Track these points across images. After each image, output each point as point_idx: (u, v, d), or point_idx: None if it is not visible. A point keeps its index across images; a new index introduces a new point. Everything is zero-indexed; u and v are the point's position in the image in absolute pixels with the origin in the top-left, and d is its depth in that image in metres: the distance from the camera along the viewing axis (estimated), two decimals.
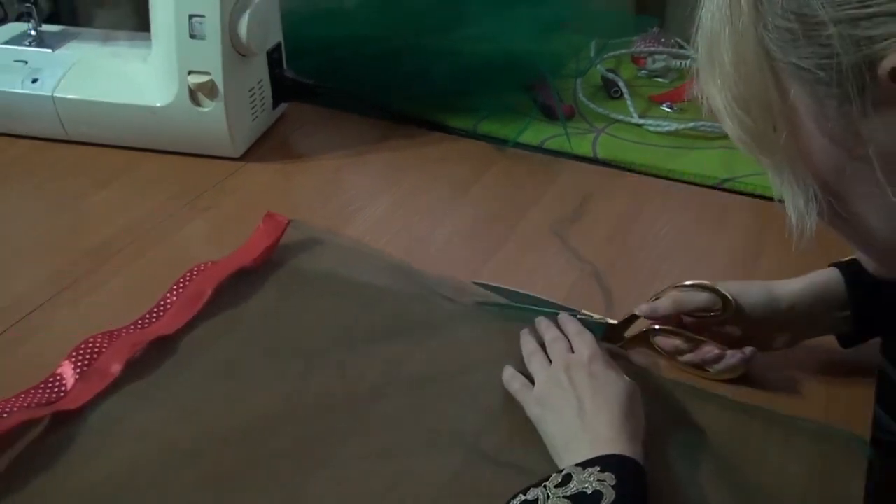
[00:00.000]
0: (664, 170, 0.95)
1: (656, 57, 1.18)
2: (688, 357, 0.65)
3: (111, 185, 0.92)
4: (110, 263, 0.79)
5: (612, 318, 0.69)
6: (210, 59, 0.90)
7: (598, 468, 0.50)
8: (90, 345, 0.65)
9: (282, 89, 1.02)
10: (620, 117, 1.05)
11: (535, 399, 0.60)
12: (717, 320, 0.64)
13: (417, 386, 0.64)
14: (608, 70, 1.15)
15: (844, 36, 0.36)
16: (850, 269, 0.63)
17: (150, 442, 0.58)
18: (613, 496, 0.48)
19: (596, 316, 0.69)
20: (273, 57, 0.99)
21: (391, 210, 0.88)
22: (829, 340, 0.68)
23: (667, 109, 1.08)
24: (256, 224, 0.85)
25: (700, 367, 0.65)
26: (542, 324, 0.67)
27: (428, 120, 1.06)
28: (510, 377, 0.63)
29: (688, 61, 1.19)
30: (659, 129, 1.03)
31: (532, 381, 0.62)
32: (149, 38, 0.94)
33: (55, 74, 0.96)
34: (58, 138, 0.99)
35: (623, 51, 1.21)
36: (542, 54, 1.05)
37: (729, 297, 0.63)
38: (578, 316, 0.68)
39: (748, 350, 0.63)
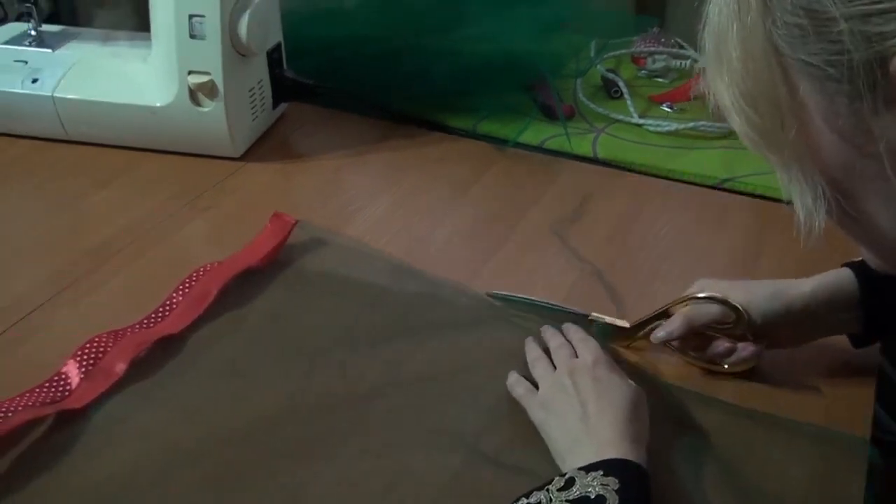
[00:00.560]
0: (664, 170, 0.95)
1: (656, 57, 1.18)
2: (700, 353, 0.65)
3: (111, 185, 0.92)
4: (110, 263, 0.79)
5: (621, 318, 0.69)
6: (210, 59, 0.90)
7: (602, 472, 0.50)
8: (95, 344, 0.65)
9: (282, 89, 1.02)
10: (620, 117, 1.05)
11: (539, 403, 0.60)
12: (729, 331, 0.64)
13: (418, 386, 0.64)
14: (608, 70, 1.15)
15: (855, 32, 0.35)
16: (863, 270, 0.62)
17: (154, 441, 0.58)
18: (616, 501, 0.48)
19: (607, 318, 0.68)
20: (273, 57, 0.99)
21: (391, 210, 0.88)
22: (830, 340, 0.68)
23: (667, 109, 1.09)
24: (257, 224, 0.85)
25: (712, 360, 0.65)
26: (548, 332, 0.67)
27: (428, 120, 1.06)
28: (514, 382, 0.63)
29: (688, 61, 1.19)
30: (659, 129, 1.03)
31: (536, 387, 0.61)
32: (149, 38, 0.94)
33: (55, 74, 0.96)
34: (58, 138, 0.99)
35: (623, 51, 1.21)
36: (542, 54, 1.05)
37: (741, 309, 0.62)
38: (590, 317, 0.68)
39: (759, 343, 0.63)
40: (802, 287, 0.64)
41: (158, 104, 0.93)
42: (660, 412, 0.60)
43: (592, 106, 1.08)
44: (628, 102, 1.08)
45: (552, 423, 0.58)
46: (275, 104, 1.03)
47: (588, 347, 0.62)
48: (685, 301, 0.65)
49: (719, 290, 0.64)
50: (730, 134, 1.02)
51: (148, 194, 0.90)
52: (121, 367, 0.64)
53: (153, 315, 0.70)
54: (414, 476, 0.56)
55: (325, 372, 0.65)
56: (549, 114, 1.05)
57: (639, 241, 0.82)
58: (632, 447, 0.53)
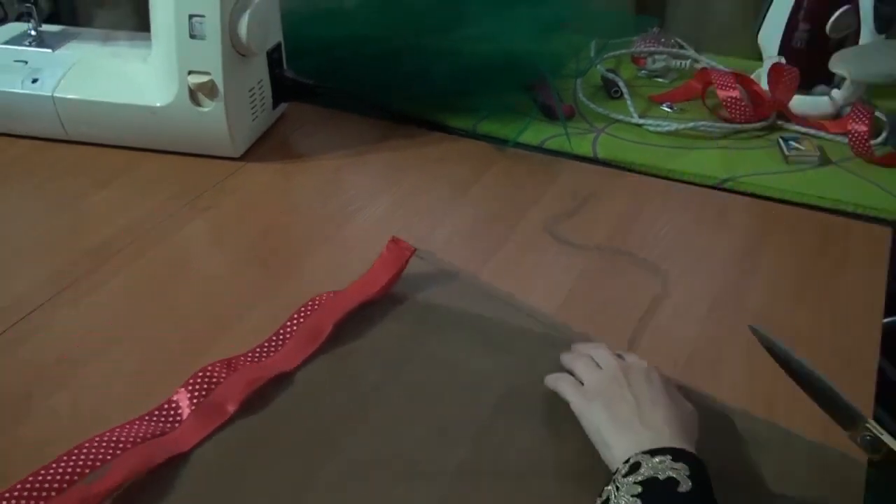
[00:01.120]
0: (664, 170, 0.95)
1: (656, 57, 1.18)
2: None
3: (111, 185, 0.92)
4: (110, 263, 0.79)
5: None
6: (210, 59, 0.90)
7: (670, 457, 0.48)
8: (207, 373, 0.63)
9: (282, 89, 1.02)
10: (620, 117, 1.05)
11: (584, 392, 0.57)
12: None
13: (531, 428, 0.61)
14: (608, 70, 1.15)
15: None
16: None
17: (256, 483, 0.56)
18: (690, 485, 0.46)
19: (886, 436, 0.55)
20: (273, 57, 0.99)
21: (391, 210, 0.88)
22: (830, 340, 0.69)
23: (667, 109, 1.09)
24: (257, 224, 0.86)
25: None
26: (580, 345, 0.65)
27: (428, 120, 1.06)
28: (556, 376, 0.61)
29: (688, 61, 1.19)
30: (659, 129, 1.03)
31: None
32: (149, 38, 0.94)
33: (55, 74, 0.96)
34: (58, 138, 0.99)
35: (623, 51, 1.21)
36: (542, 54, 1.05)
37: None
38: (867, 423, 0.55)
39: None
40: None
41: (158, 104, 0.93)
42: None
43: (592, 106, 1.08)
44: (628, 102, 1.08)
45: (599, 410, 0.55)
46: (275, 104, 1.03)
47: (640, 360, 0.61)
48: None
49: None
50: (730, 134, 1.02)
51: (148, 194, 0.90)
52: (232, 407, 0.61)
53: (266, 344, 0.68)
54: None
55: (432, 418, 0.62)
56: (549, 114, 1.05)
57: (639, 241, 0.82)
58: (688, 443, 0.51)
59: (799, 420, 0.61)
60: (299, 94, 1.05)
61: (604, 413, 0.55)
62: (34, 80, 0.96)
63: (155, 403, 0.62)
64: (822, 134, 1.01)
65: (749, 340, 0.69)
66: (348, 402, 0.63)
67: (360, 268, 0.75)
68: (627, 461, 0.50)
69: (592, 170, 0.96)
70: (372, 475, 0.57)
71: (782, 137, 1.00)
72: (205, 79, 0.90)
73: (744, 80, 1.06)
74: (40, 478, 0.53)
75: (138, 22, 1.32)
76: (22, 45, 1.00)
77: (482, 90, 1.04)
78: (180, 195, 0.89)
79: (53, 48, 1.00)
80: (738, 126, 1.02)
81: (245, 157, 0.97)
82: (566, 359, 0.64)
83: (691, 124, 1.02)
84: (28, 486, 0.53)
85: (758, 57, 1.12)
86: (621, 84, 1.10)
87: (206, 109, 0.92)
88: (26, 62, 0.98)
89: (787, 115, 1.04)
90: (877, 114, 1.00)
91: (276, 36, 1.00)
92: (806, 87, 1.05)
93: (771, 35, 1.07)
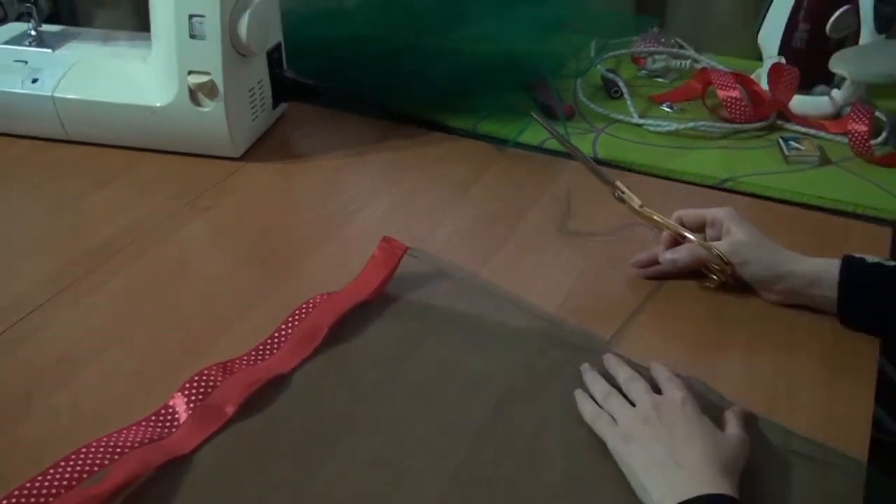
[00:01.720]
0: (664, 170, 0.95)
1: (656, 57, 1.18)
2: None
3: (111, 185, 0.92)
4: (110, 263, 0.79)
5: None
6: (210, 59, 0.90)
7: None
8: (204, 377, 0.63)
9: (282, 89, 1.02)
10: (620, 117, 1.05)
11: (622, 435, 0.57)
12: (720, 273, 0.73)
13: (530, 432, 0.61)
14: (608, 70, 1.15)
15: None
16: (851, 264, 0.68)
17: (256, 484, 0.56)
18: None
19: (627, 191, 0.78)
20: (273, 57, 0.99)
21: (391, 210, 0.88)
22: (830, 341, 0.69)
23: (667, 109, 1.09)
24: (257, 224, 0.85)
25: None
26: (612, 361, 0.65)
27: (428, 120, 1.06)
28: (594, 416, 0.60)
29: (688, 61, 1.19)
30: (659, 129, 1.03)
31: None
32: (149, 38, 0.94)
33: (55, 74, 0.96)
34: (58, 138, 0.99)
35: (623, 51, 1.21)
36: (542, 54, 1.05)
37: (734, 267, 0.72)
38: (616, 183, 0.79)
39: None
40: (802, 266, 0.70)
41: (158, 104, 0.93)
42: None
43: (592, 106, 1.08)
44: (628, 102, 1.08)
45: (635, 454, 0.55)
46: (275, 104, 1.03)
47: (676, 385, 0.59)
48: (694, 236, 0.74)
49: (730, 240, 0.72)
50: (730, 134, 1.02)
51: (148, 194, 0.90)
52: (230, 409, 0.61)
53: (262, 347, 0.67)
54: None
55: (433, 416, 0.62)
56: (549, 114, 1.05)
57: (639, 241, 0.82)
58: (724, 480, 0.51)
59: (799, 420, 0.61)
60: (299, 94, 1.05)
61: (640, 456, 0.55)
62: (34, 80, 0.96)
63: (155, 404, 0.62)
64: (822, 134, 1.01)
65: (749, 340, 0.69)
66: (347, 402, 0.63)
67: (360, 268, 0.75)
68: None
69: None
70: (371, 476, 0.57)
71: (782, 137, 0.99)
72: (205, 79, 0.90)
73: (744, 80, 1.06)
74: (38, 483, 0.53)
75: (138, 22, 1.32)
76: (22, 45, 1.00)
77: (482, 90, 1.04)
78: (180, 195, 0.89)
79: (53, 48, 1.00)
80: (738, 126, 1.02)
81: (245, 157, 0.97)
82: (600, 390, 0.62)
83: (691, 124, 1.02)
84: (25, 492, 0.53)
85: (758, 57, 1.12)
86: (621, 84, 1.10)
87: (206, 109, 0.92)
88: (26, 62, 0.98)
89: (787, 115, 1.04)
90: (877, 114, 1.00)
91: (276, 36, 1.00)
92: (806, 87, 1.05)
93: (771, 35, 1.07)
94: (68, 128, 0.98)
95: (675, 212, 0.77)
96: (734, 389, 0.64)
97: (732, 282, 0.73)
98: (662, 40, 1.20)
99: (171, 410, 0.61)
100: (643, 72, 1.19)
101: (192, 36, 0.89)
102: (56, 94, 0.95)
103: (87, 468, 0.55)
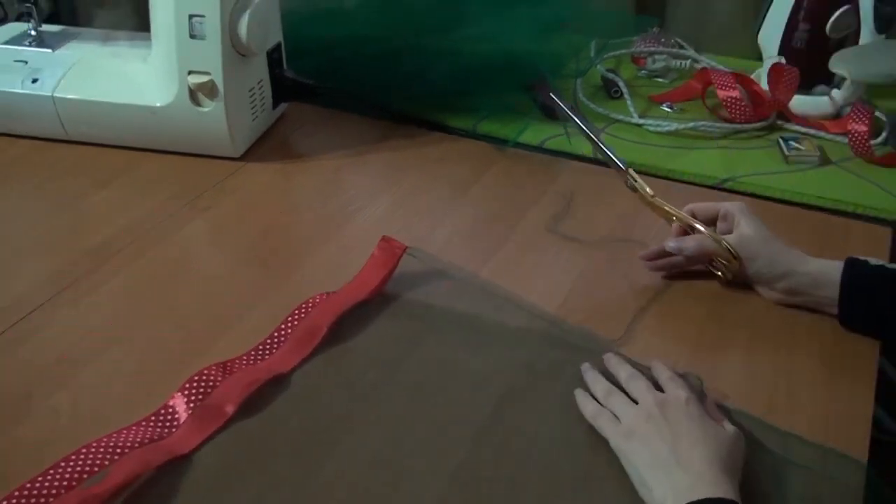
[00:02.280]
0: (664, 170, 0.95)
1: (656, 57, 1.18)
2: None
3: (111, 185, 0.92)
4: (110, 263, 0.79)
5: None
6: (210, 59, 0.90)
7: None
8: (204, 377, 0.63)
9: (282, 89, 1.02)
10: (620, 117, 1.05)
11: (624, 433, 0.57)
12: (725, 268, 0.74)
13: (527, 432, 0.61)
14: (608, 70, 1.15)
15: None
16: (854, 266, 0.68)
17: (256, 485, 0.56)
18: None
19: (640, 179, 0.78)
20: (273, 57, 0.99)
21: (391, 210, 0.88)
22: (830, 340, 0.69)
23: (667, 109, 1.09)
24: (257, 224, 0.85)
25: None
26: (612, 360, 0.65)
27: (428, 120, 1.06)
28: (595, 413, 0.60)
29: (688, 61, 1.19)
30: (659, 129, 1.03)
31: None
32: (149, 38, 0.94)
33: (55, 74, 0.96)
34: (58, 138, 0.99)
35: (623, 51, 1.21)
36: (542, 54, 1.05)
37: (742, 263, 0.72)
38: (629, 170, 0.78)
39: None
40: (807, 266, 0.70)
41: (158, 104, 0.93)
42: None
43: (592, 106, 1.08)
44: (628, 102, 1.08)
45: (638, 451, 0.55)
46: (275, 104, 1.03)
47: (679, 384, 0.59)
48: (704, 228, 0.74)
49: (740, 233, 0.72)
50: (730, 134, 1.02)
51: (148, 194, 0.90)
52: (230, 409, 0.61)
53: (261, 347, 0.67)
54: None
55: (432, 413, 0.62)
56: (549, 114, 1.05)
57: (639, 241, 0.82)
58: (726, 482, 0.51)
59: (799, 420, 0.61)
60: (299, 94, 1.05)
61: (642, 454, 0.55)
62: (34, 80, 0.96)
63: (155, 404, 0.62)
64: (822, 134, 1.01)
65: (749, 340, 0.69)
66: (346, 402, 0.63)
67: (360, 268, 0.75)
68: None
69: (592, 170, 0.96)
70: (370, 475, 0.57)
71: (782, 137, 1.00)
72: (205, 79, 0.90)
73: (744, 80, 1.06)
74: (38, 484, 0.53)
75: (138, 22, 1.32)
76: (22, 45, 1.00)
77: (482, 90, 1.04)
78: (180, 195, 0.89)
79: (53, 48, 1.00)
80: (738, 126, 1.02)
81: (245, 157, 0.97)
82: (601, 388, 0.62)
83: (691, 124, 1.02)
84: (25, 492, 0.52)
85: (758, 57, 1.12)
86: (621, 84, 1.10)
87: (206, 109, 0.92)
88: (26, 62, 0.98)
89: (787, 115, 1.04)
90: (877, 114, 1.00)
91: (276, 36, 1.00)
92: (806, 87, 1.05)
93: (771, 35, 1.07)
94: (68, 128, 0.98)
95: (687, 204, 0.77)
96: (734, 389, 0.64)
97: (737, 279, 0.73)
98: (662, 40, 1.20)
99: (170, 410, 0.61)
100: (643, 72, 1.19)
101: (192, 36, 0.89)
102: (56, 94, 0.95)
103: (88, 468, 0.55)
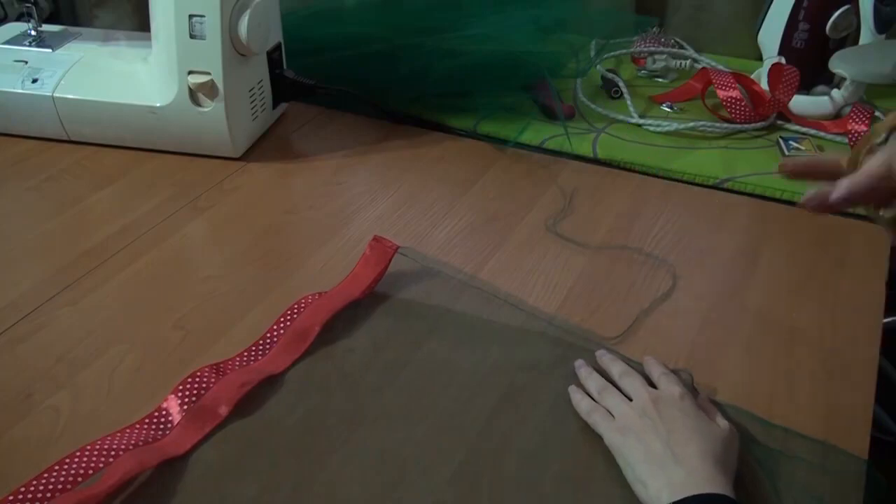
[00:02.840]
0: (664, 170, 0.95)
1: (656, 57, 1.18)
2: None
3: (111, 185, 0.92)
4: (110, 263, 0.79)
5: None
6: (210, 59, 0.90)
7: None
8: (197, 379, 0.63)
9: (282, 89, 1.02)
10: (620, 117, 1.05)
11: (617, 428, 0.57)
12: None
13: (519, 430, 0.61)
14: (608, 70, 1.15)
15: None
16: None
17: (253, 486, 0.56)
18: None
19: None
20: (273, 57, 0.99)
21: (391, 210, 0.88)
22: (830, 339, 0.68)
23: (667, 109, 1.09)
24: (257, 224, 0.85)
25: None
26: (605, 357, 0.65)
27: (428, 120, 1.06)
28: (589, 409, 0.60)
29: (688, 61, 1.19)
30: (659, 129, 1.03)
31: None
32: (149, 38, 0.94)
33: (55, 74, 0.96)
34: (58, 138, 0.99)
35: (623, 51, 1.21)
36: (542, 54, 1.05)
37: None
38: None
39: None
40: None
41: (158, 104, 0.93)
42: None
43: (592, 106, 1.08)
44: (628, 102, 1.08)
45: (632, 447, 0.55)
46: (275, 104, 1.03)
47: (672, 380, 0.59)
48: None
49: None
50: (730, 134, 1.02)
51: (148, 194, 0.90)
52: (224, 410, 0.61)
53: (254, 348, 0.67)
54: None
55: (427, 413, 0.62)
56: (549, 114, 1.05)
57: (638, 241, 0.82)
58: (721, 478, 0.51)
59: (799, 420, 0.61)
60: (299, 94, 1.05)
61: (637, 450, 0.55)
62: (34, 80, 0.96)
63: (155, 404, 0.62)
64: (822, 134, 1.01)
65: (749, 340, 0.69)
66: (342, 402, 0.63)
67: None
68: None
69: (592, 170, 0.96)
70: (368, 475, 0.57)
71: (782, 137, 1.00)
72: (205, 79, 0.90)
73: (744, 80, 1.06)
74: (32, 487, 0.53)
75: (138, 22, 1.32)
76: (22, 45, 1.00)
77: (482, 90, 1.04)
78: (180, 195, 0.90)
79: (53, 48, 1.00)
80: (738, 126, 1.02)
81: (245, 157, 0.97)
82: (594, 385, 0.62)
83: (691, 124, 1.02)
84: (20, 496, 0.52)
85: (758, 57, 1.12)
86: (621, 84, 1.10)
87: (206, 109, 0.92)
88: (26, 62, 0.98)
89: (787, 115, 1.04)
90: (877, 114, 1.00)
91: (276, 36, 1.00)
92: (806, 87, 1.05)
93: (771, 35, 1.07)
94: (68, 128, 0.98)
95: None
96: (734, 389, 0.64)
97: None
98: (662, 40, 1.20)
99: (164, 412, 0.61)
100: (643, 72, 1.19)
101: (192, 36, 0.89)
102: (56, 94, 0.95)
103: (82, 471, 0.55)
